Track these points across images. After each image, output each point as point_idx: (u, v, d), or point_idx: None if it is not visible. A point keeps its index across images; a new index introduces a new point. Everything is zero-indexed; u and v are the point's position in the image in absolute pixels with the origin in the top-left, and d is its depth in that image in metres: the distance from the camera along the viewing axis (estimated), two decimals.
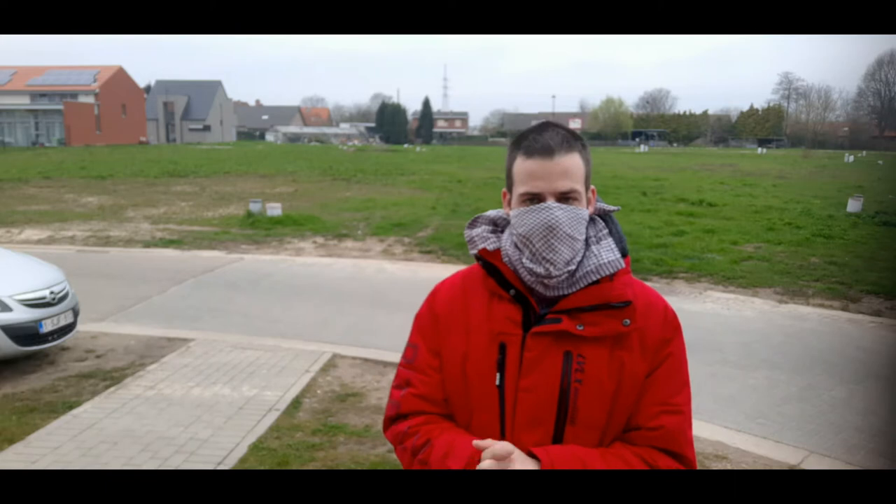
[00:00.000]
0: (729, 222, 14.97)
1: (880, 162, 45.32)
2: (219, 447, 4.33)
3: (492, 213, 1.53)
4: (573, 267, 1.36)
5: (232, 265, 10.31)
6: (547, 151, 1.33)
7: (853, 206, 16.89)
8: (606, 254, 1.38)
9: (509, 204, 1.43)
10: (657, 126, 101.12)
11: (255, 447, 4.33)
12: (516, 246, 1.41)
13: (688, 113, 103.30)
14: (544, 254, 1.34)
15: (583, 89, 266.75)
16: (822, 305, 8.30)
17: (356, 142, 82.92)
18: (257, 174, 28.15)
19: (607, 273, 1.36)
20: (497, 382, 1.37)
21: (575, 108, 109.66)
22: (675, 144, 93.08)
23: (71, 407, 4.91)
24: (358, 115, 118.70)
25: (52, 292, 5.75)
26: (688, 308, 8.10)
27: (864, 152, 62.39)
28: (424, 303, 1.56)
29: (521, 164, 1.37)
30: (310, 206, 17.39)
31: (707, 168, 36.29)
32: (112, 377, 5.56)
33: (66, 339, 5.99)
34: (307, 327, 7.17)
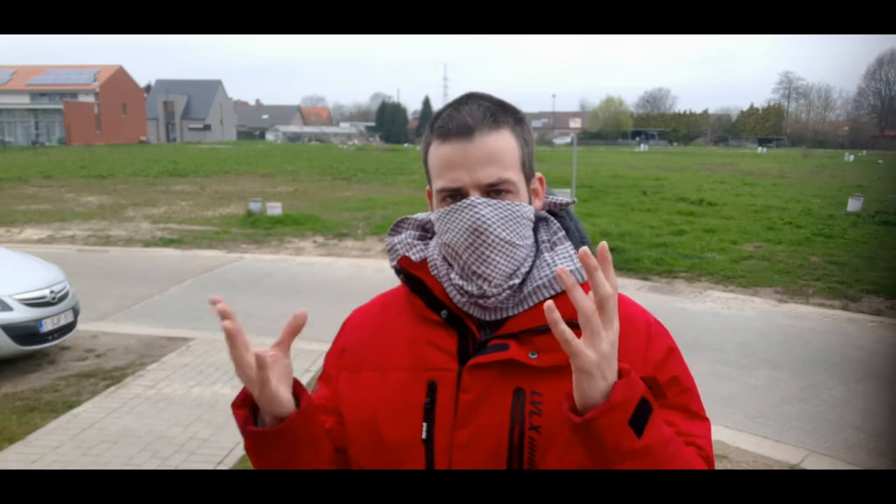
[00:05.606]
0: (729, 222, 14.98)
1: (880, 161, 45.34)
2: (219, 447, 4.33)
3: (421, 215, 1.23)
4: (517, 280, 1.05)
5: (232, 265, 10.32)
6: (464, 131, 1.02)
7: (853, 205, 16.91)
8: (563, 262, 1.05)
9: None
10: (657, 125, 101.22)
11: None
12: (445, 258, 1.10)
13: (688, 112, 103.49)
14: (474, 267, 1.03)
15: (583, 89, 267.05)
16: (822, 305, 8.30)
17: (356, 141, 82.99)
18: (257, 173, 28.18)
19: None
20: (423, 436, 1.03)
21: (575, 108, 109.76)
22: (675, 144, 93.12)
23: (71, 406, 4.91)
24: (358, 115, 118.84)
25: (52, 292, 5.76)
26: (688, 308, 8.11)
27: (865, 151, 62.45)
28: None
29: (436, 151, 1.06)
30: (310, 205, 17.40)
31: (707, 167, 36.32)
32: (112, 376, 5.56)
33: (67, 339, 6.00)
34: (307, 327, 7.07)
